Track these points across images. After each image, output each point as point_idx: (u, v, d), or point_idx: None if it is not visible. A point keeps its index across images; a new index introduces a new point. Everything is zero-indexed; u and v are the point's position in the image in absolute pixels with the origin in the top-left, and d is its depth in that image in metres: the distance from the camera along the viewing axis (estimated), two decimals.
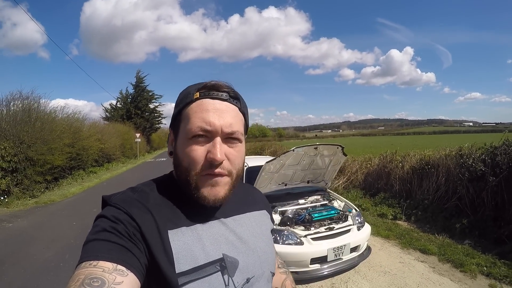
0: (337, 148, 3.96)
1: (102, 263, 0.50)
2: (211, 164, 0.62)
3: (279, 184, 4.10)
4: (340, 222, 3.64)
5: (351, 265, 3.48)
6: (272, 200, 3.97)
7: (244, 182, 4.58)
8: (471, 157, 5.01)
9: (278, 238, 3.27)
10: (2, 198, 7.29)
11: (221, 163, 0.63)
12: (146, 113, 33.99)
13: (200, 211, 0.66)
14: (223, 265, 0.62)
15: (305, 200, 4.17)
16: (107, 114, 31.87)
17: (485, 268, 3.49)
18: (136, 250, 0.55)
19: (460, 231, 4.52)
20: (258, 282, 0.67)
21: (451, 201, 5.07)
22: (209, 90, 0.66)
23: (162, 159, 25.36)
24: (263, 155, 10.00)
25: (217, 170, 0.62)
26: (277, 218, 3.68)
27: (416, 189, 5.95)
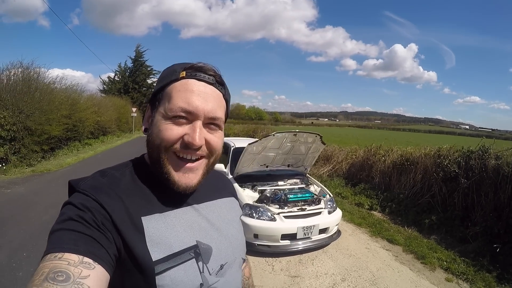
0: (316, 136, 4.17)
1: (67, 256, 0.47)
2: (186, 146, 0.60)
3: (261, 166, 4.31)
4: (313, 205, 3.84)
5: (319, 245, 3.72)
6: (254, 180, 4.21)
7: (230, 161, 4.70)
8: (447, 158, 5.17)
9: (254, 213, 3.48)
10: (0, 165, 7.47)
11: (199, 148, 0.61)
12: (144, 88, 33.63)
13: (172, 197, 0.64)
14: (197, 252, 0.62)
15: (284, 182, 4.39)
16: (104, 86, 31.74)
17: (445, 263, 3.65)
18: (104, 241, 0.52)
19: (428, 226, 4.72)
20: (231, 268, 0.67)
21: (424, 198, 5.27)
22: (196, 71, 0.63)
23: None
24: (255, 137, 10.17)
25: (192, 153, 0.61)
26: (255, 195, 3.89)
27: (395, 183, 6.14)
